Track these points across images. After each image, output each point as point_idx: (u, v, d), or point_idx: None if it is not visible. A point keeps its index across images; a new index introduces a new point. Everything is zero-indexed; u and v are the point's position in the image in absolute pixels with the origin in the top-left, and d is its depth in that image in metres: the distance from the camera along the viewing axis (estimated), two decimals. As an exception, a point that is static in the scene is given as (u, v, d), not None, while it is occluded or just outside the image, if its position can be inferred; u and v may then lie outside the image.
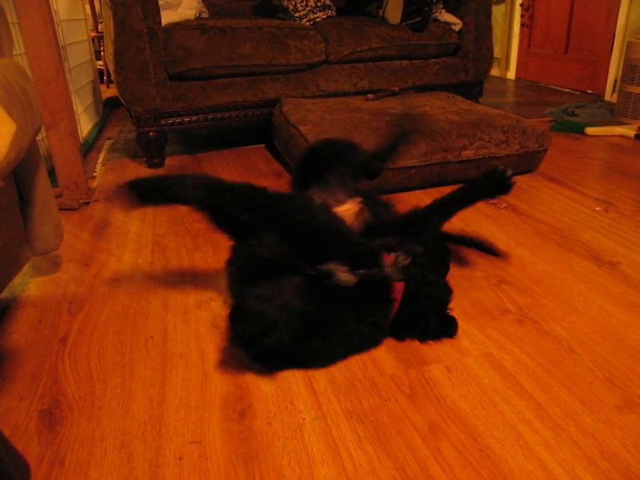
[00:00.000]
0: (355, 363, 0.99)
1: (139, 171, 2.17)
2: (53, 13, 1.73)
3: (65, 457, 0.80)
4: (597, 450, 0.79)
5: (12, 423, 0.87)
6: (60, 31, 2.38)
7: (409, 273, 1.03)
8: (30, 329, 1.13)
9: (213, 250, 1.45)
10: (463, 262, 1.35)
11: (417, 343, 1.04)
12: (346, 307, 0.97)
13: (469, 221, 1.59)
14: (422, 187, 1.86)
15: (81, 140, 2.40)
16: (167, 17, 2.13)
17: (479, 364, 0.98)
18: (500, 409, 0.87)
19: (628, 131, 2.48)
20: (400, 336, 1.05)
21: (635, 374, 0.94)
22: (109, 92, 3.91)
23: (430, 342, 1.04)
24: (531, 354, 1.00)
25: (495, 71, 4.48)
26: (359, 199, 1.30)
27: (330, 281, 0.96)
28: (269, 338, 0.88)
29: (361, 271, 0.99)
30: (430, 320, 1.04)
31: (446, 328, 1.06)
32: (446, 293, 1.09)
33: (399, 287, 1.01)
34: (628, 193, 1.79)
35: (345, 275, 0.97)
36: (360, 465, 0.77)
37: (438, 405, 0.88)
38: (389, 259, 1.04)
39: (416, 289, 1.02)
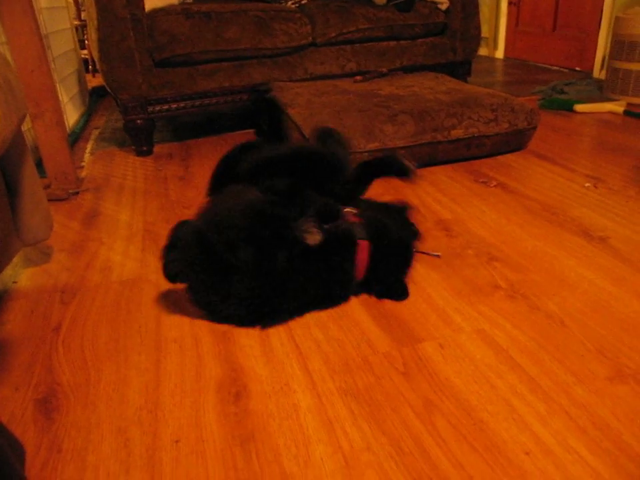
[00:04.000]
0: (348, 342, 1.00)
1: (127, 159, 2.16)
2: (33, 0, 1.70)
3: (62, 443, 0.81)
4: (588, 420, 0.80)
5: (8, 413, 0.87)
6: (41, 18, 2.34)
7: (371, 231, 1.09)
8: (23, 319, 1.13)
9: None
10: (453, 240, 1.35)
11: (409, 321, 1.05)
12: (309, 262, 1.02)
13: (459, 200, 1.59)
14: (412, 167, 1.86)
15: (68, 130, 2.38)
16: (150, 3, 2.10)
17: (471, 340, 0.99)
18: (493, 383, 0.88)
19: (617, 107, 2.48)
20: (374, 292, 1.14)
21: (625, 345, 0.95)
22: (94, 81, 3.87)
23: (422, 320, 1.05)
24: (523, 329, 1.01)
25: (483, 50, 4.46)
26: None
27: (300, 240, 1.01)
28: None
29: (327, 226, 1.04)
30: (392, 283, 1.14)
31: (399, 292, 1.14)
32: (410, 237, 1.20)
33: (364, 245, 1.07)
34: (617, 168, 1.80)
35: (312, 237, 1.01)
36: (355, 442, 0.78)
37: (432, 382, 0.89)
38: (350, 217, 1.10)
39: (382, 244, 1.10)
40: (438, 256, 1.27)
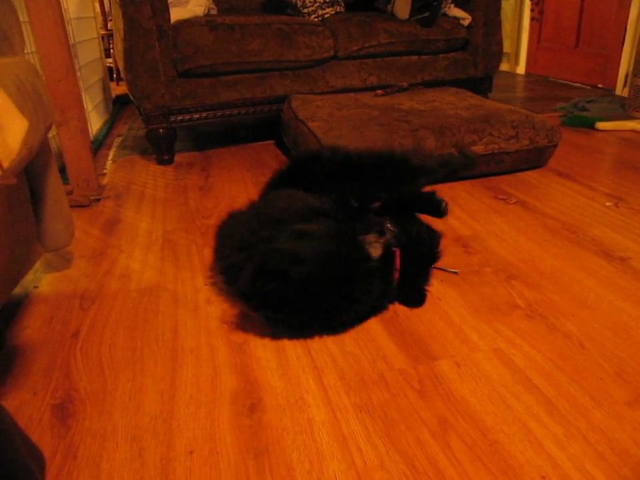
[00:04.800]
0: (364, 358, 0.99)
1: (148, 167, 2.18)
2: (63, 11, 1.74)
3: (78, 450, 0.82)
4: (606, 445, 0.79)
5: (26, 417, 0.88)
6: (70, 28, 2.39)
7: (398, 236, 1.14)
8: (42, 324, 1.14)
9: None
10: (472, 258, 1.35)
11: (426, 338, 1.04)
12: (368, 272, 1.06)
13: (478, 216, 1.59)
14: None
15: (91, 137, 2.42)
16: (175, 14, 2.14)
17: (488, 359, 0.98)
18: (509, 404, 0.87)
19: (639, 125, 2.45)
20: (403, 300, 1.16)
21: (645, 369, 0.94)
22: (118, 89, 3.93)
23: (439, 337, 1.05)
24: (541, 349, 1.00)
25: (504, 66, 4.45)
26: None
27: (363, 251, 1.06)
28: (296, 267, 0.95)
29: (382, 241, 1.09)
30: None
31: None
32: (434, 243, 1.23)
33: (397, 254, 1.11)
34: (639, 187, 1.78)
35: (375, 250, 1.07)
36: (369, 459, 0.78)
37: (447, 400, 0.88)
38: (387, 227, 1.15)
39: (409, 251, 1.14)
40: (456, 273, 1.27)
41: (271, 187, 1.37)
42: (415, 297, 1.16)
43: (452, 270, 1.28)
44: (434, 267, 1.25)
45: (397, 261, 1.11)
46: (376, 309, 1.12)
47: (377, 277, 1.07)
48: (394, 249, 1.11)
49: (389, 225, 1.16)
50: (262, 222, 1.12)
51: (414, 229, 1.18)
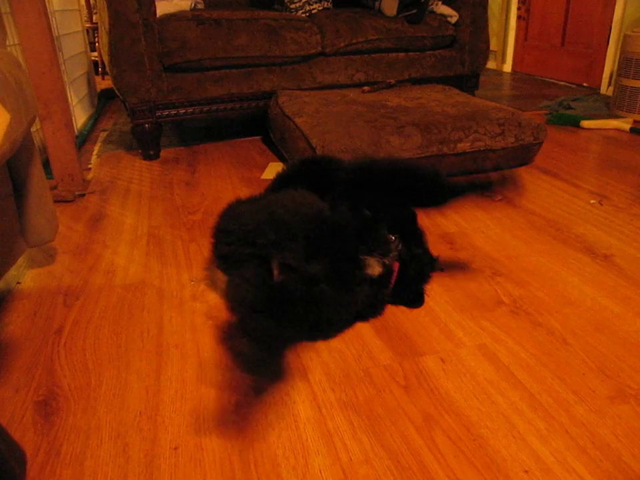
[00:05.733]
0: (350, 354, 0.99)
1: (134, 162, 2.17)
2: (47, 3, 1.72)
3: (61, 447, 0.81)
4: (588, 440, 0.80)
5: (8, 414, 0.87)
6: (54, 21, 2.36)
7: (401, 253, 1.11)
8: (25, 320, 1.13)
9: (209, 242, 1.44)
10: (457, 254, 1.35)
11: (411, 334, 1.05)
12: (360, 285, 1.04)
13: (463, 213, 1.60)
14: (417, 179, 1.87)
15: (75, 132, 2.39)
16: (161, 8, 2.12)
17: (472, 355, 0.99)
18: (493, 399, 0.88)
19: (623, 124, 2.48)
20: (393, 302, 1.16)
21: (627, 365, 0.95)
22: (103, 83, 3.89)
23: (424, 333, 1.05)
24: (525, 345, 1.01)
25: (491, 64, 4.47)
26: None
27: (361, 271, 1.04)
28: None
29: (383, 260, 1.06)
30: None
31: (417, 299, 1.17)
32: (430, 263, 1.20)
33: (396, 267, 1.10)
34: (623, 186, 1.80)
35: (374, 268, 1.04)
36: (354, 454, 0.78)
37: (432, 396, 0.89)
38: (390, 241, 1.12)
39: (408, 266, 1.12)
40: (442, 270, 1.27)
41: (282, 182, 1.35)
42: (414, 297, 1.16)
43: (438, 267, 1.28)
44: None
45: (395, 275, 1.10)
46: (363, 315, 1.11)
47: (368, 289, 1.06)
48: (394, 263, 1.10)
49: (395, 242, 1.13)
50: (270, 221, 1.09)
51: (417, 250, 1.17)
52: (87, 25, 3.92)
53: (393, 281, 1.10)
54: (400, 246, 1.12)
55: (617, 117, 2.69)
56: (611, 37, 3.33)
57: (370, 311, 1.11)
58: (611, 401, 0.87)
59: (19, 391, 0.92)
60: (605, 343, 1.01)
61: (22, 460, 0.62)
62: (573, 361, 0.96)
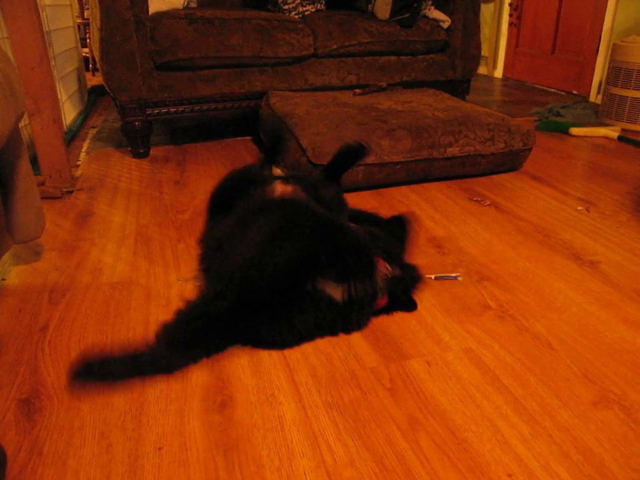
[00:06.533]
0: (336, 356, 0.99)
1: (123, 160, 2.15)
2: (38, -3, 1.70)
3: (44, 446, 0.80)
4: (571, 444, 0.80)
5: (-11, 412, 0.86)
6: (44, 15, 2.34)
7: (392, 283, 1.09)
8: (10, 317, 1.12)
9: (197, 241, 1.44)
10: (445, 258, 1.36)
11: (398, 337, 1.05)
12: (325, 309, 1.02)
13: (452, 217, 1.60)
14: (407, 182, 1.87)
15: (65, 128, 2.38)
16: (154, 6, 2.11)
17: (458, 359, 0.99)
18: (478, 403, 0.88)
19: (611, 132, 2.51)
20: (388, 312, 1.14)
21: (611, 371, 0.96)
22: (94, 80, 3.86)
23: (411, 336, 1.05)
24: (510, 350, 1.02)
25: (482, 69, 4.50)
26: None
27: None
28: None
29: (353, 288, 1.02)
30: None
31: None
32: (415, 283, 1.20)
33: (383, 300, 1.08)
34: (610, 193, 1.82)
35: (335, 293, 1.01)
36: (339, 457, 0.78)
37: (417, 399, 0.89)
38: (382, 267, 1.08)
39: (395, 294, 1.11)
40: (456, 278, 1.27)
41: (217, 198, 1.36)
42: (406, 302, 1.15)
43: (452, 275, 1.27)
44: (435, 278, 1.26)
45: (380, 305, 1.09)
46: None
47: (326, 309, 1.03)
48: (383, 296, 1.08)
49: (386, 267, 1.10)
50: (248, 240, 1.07)
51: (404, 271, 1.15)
52: (79, 21, 3.89)
53: (378, 307, 1.09)
54: (390, 274, 1.09)
55: (605, 124, 2.71)
56: (600, 46, 3.36)
57: (344, 327, 1.07)
58: (594, 406, 0.88)
59: (1, 389, 0.91)
60: (589, 349, 1.02)
61: (2, 459, 0.61)
62: (558, 366, 0.97)
